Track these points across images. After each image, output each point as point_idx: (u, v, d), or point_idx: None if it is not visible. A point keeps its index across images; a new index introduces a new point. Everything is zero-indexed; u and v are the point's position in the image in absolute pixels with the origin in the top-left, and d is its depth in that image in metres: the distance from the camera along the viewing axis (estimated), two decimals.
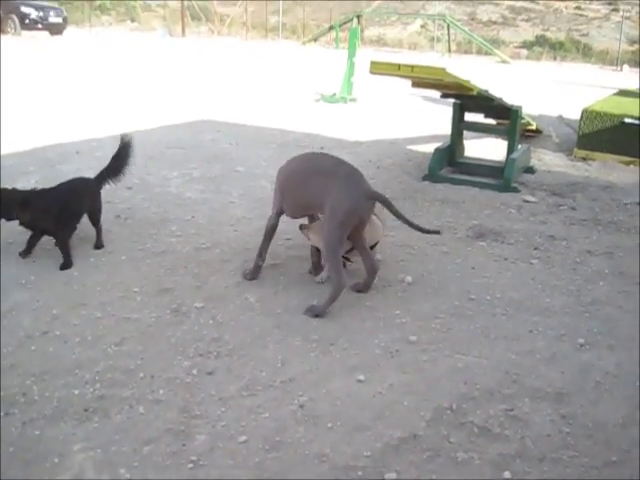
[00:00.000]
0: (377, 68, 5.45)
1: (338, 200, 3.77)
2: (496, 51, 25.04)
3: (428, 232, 4.19)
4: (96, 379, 3.12)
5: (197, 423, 2.86)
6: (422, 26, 33.71)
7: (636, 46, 26.93)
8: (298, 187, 4.03)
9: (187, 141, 7.96)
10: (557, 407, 3.09)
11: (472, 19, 34.79)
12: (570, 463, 2.73)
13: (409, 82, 6.54)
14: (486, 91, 6.21)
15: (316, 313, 3.79)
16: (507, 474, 2.65)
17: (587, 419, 3.02)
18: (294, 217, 4.25)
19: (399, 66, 5.28)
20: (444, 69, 5.24)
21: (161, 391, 3.07)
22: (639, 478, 2.67)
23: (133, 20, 36.00)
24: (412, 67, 5.32)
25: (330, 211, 3.79)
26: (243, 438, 2.77)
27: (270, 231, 4.25)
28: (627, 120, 7.76)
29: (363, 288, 4.12)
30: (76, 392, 3.02)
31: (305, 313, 3.81)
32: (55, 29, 27.49)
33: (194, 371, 3.23)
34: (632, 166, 7.69)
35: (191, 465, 2.61)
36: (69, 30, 28.91)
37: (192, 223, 5.19)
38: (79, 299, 3.88)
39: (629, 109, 8.11)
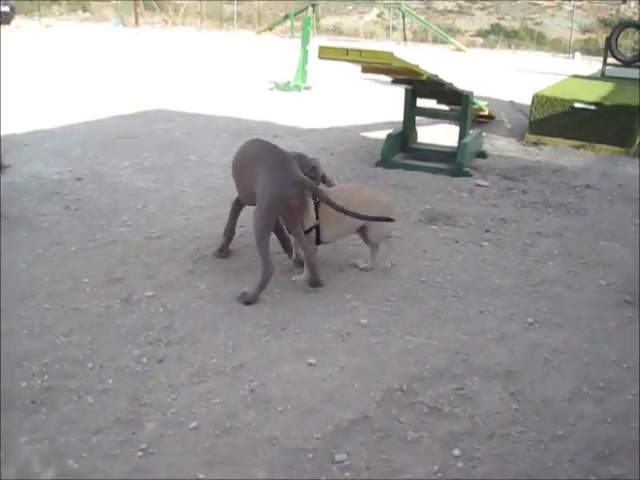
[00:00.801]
0: (325, 53, 5.43)
1: (263, 186, 3.76)
2: (451, 39, 25.14)
3: (373, 219, 4.07)
4: (44, 370, 3.07)
5: (147, 411, 2.84)
6: (378, 15, 33.67)
7: (588, 35, 27.30)
8: (239, 175, 4.06)
9: (139, 131, 7.86)
10: (506, 385, 3.14)
11: (428, 8, 34.85)
12: (518, 438, 2.78)
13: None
14: (436, 76, 6.24)
15: (247, 300, 3.76)
16: (456, 451, 2.68)
17: (535, 395, 3.07)
18: (245, 204, 4.23)
19: (347, 50, 5.27)
20: (392, 53, 5.24)
21: (110, 380, 3.04)
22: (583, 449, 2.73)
23: (85, 10, 35.27)
24: (360, 52, 5.31)
25: (258, 198, 3.79)
26: (193, 424, 2.76)
27: (231, 210, 4.30)
28: (577, 105, 7.87)
29: (310, 282, 4.02)
30: (23, 384, 2.97)
31: (237, 300, 3.78)
32: (2, 18, 26.79)
33: (144, 359, 3.21)
34: (582, 150, 7.82)
35: (141, 453, 2.59)
36: (17, 20, 28.22)
37: (143, 213, 5.13)
38: (27, 291, 3.82)
39: (579, 94, 8.24)
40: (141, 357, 3.22)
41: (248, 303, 3.75)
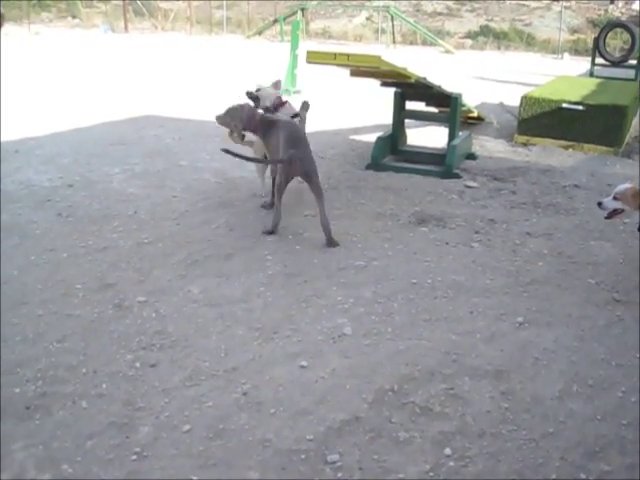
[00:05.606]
0: (313, 57, 5.45)
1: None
2: (440, 41, 25.23)
3: None
4: (38, 377, 3.09)
5: (140, 415, 2.86)
6: (367, 18, 33.73)
7: (577, 35, 27.45)
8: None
9: (129, 137, 7.88)
10: (496, 384, 3.16)
11: (417, 10, 34.94)
12: (509, 437, 2.81)
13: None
14: (424, 79, 6.28)
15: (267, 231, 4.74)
16: (448, 451, 2.71)
17: (525, 394, 3.10)
18: None
19: (335, 55, 5.29)
20: (379, 57, 5.27)
21: (104, 385, 3.06)
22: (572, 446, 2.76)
23: (74, 16, 35.21)
24: (348, 56, 5.34)
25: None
26: (187, 427, 2.79)
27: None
28: (565, 105, 7.92)
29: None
30: (17, 390, 2.98)
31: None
32: None
33: (137, 364, 3.23)
34: (571, 150, 7.87)
35: (135, 457, 2.61)
36: (6, 27, 28.14)
37: (134, 218, 5.15)
38: (19, 298, 3.83)
39: (567, 94, 8.29)
40: (134, 362, 3.25)
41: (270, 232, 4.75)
